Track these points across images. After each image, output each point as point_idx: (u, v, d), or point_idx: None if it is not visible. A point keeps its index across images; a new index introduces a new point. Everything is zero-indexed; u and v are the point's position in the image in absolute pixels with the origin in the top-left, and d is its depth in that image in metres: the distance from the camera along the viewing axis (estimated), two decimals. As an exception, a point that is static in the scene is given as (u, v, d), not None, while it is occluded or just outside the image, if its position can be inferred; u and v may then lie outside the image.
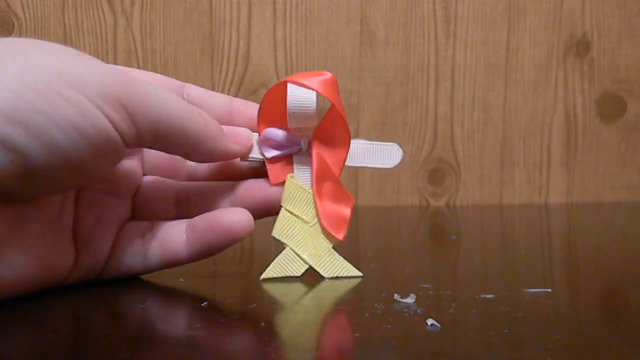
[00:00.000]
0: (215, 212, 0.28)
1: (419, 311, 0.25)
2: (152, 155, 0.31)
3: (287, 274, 0.30)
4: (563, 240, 0.46)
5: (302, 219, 0.29)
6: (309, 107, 0.28)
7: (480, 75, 0.61)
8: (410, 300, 0.26)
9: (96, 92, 0.23)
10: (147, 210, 0.30)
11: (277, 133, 0.29)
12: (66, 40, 0.60)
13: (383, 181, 0.62)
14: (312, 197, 0.29)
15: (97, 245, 0.28)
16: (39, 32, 0.60)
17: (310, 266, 0.30)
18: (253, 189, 0.29)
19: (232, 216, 0.27)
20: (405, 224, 0.54)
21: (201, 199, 0.30)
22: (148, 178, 0.31)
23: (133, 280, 0.30)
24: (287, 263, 0.29)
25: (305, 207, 0.29)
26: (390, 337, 0.22)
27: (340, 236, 0.29)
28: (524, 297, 0.27)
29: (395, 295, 0.27)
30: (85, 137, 0.23)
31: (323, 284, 0.30)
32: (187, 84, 0.30)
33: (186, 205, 0.30)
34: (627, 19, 0.61)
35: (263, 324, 0.24)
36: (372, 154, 0.30)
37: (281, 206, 0.30)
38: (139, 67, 0.61)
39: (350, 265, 0.30)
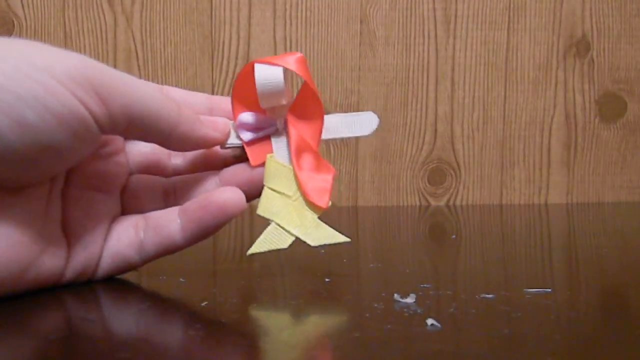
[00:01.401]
0: (207, 193, 0.28)
1: (419, 311, 0.25)
2: (137, 153, 0.31)
3: (274, 248, 0.29)
4: (563, 240, 0.46)
5: (285, 194, 0.29)
6: (277, 83, 0.28)
7: (480, 75, 0.61)
8: (410, 300, 0.26)
9: (65, 74, 0.23)
10: (136, 204, 0.30)
11: (252, 116, 0.29)
12: (66, 40, 0.60)
13: (383, 181, 0.62)
14: (292, 172, 0.29)
15: (89, 239, 0.28)
16: (39, 32, 0.60)
17: (296, 238, 0.29)
18: (236, 172, 0.30)
19: (224, 194, 0.28)
20: (405, 224, 0.54)
21: (188, 190, 0.30)
22: (135, 175, 0.31)
23: (133, 280, 0.30)
24: (274, 237, 0.29)
25: (287, 183, 0.29)
26: (390, 337, 0.22)
27: (323, 204, 0.29)
28: (524, 297, 0.27)
29: (395, 295, 0.27)
30: (55, 116, 0.23)
31: (323, 283, 0.30)
32: (165, 86, 0.31)
33: (174, 197, 0.31)
34: (627, 19, 0.61)
35: (263, 324, 0.24)
36: (347, 124, 0.30)
37: (264, 186, 0.30)
38: (138, 67, 0.61)
39: (336, 232, 0.29)
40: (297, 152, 0.29)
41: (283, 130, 0.30)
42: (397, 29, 0.60)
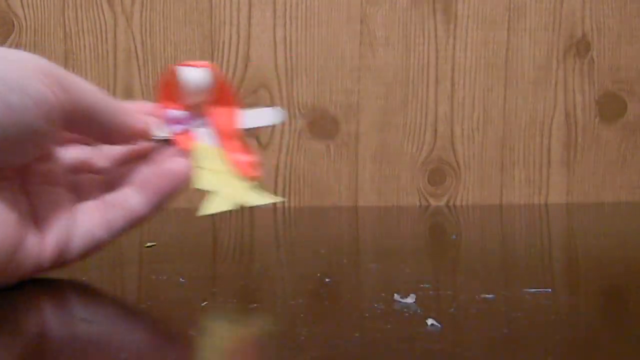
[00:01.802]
0: (158, 165, 0.31)
1: (419, 311, 0.25)
2: (68, 157, 0.33)
3: (220, 210, 0.32)
4: (563, 240, 0.46)
5: (217, 170, 0.33)
6: (202, 82, 0.32)
7: (480, 75, 0.61)
8: (410, 300, 0.26)
9: (34, 66, 0.27)
10: (81, 194, 0.32)
11: (177, 111, 0.33)
12: (66, 40, 0.60)
13: (383, 181, 0.62)
14: (219, 153, 0.34)
15: (57, 225, 0.30)
16: (39, 32, 0.60)
17: (236, 202, 0.32)
18: (165, 154, 0.33)
19: (175, 162, 0.31)
20: (405, 224, 0.54)
21: (125, 179, 0.33)
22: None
23: (133, 281, 0.30)
24: (215, 202, 0.32)
25: (216, 161, 0.33)
26: (390, 337, 0.22)
27: (254, 175, 0.33)
28: (524, 297, 0.27)
29: (395, 295, 0.27)
30: (33, 100, 0.26)
31: (323, 283, 0.30)
32: None
33: (112, 188, 0.33)
34: (627, 19, 0.61)
35: (263, 324, 0.24)
36: (258, 116, 0.35)
37: (196, 167, 0.33)
38: (139, 67, 0.61)
39: (270, 194, 0.33)
40: (222, 138, 0.34)
41: (206, 122, 0.34)
42: (397, 29, 0.60)
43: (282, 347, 0.21)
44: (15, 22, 0.60)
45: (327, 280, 0.31)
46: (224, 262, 0.37)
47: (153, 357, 0.21)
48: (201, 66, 0.32)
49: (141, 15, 0.60)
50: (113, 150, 0.34)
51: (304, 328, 0.24)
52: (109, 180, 0.33)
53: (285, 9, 0.60)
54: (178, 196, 0.31)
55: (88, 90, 0.29)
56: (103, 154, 0.34)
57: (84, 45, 0.60)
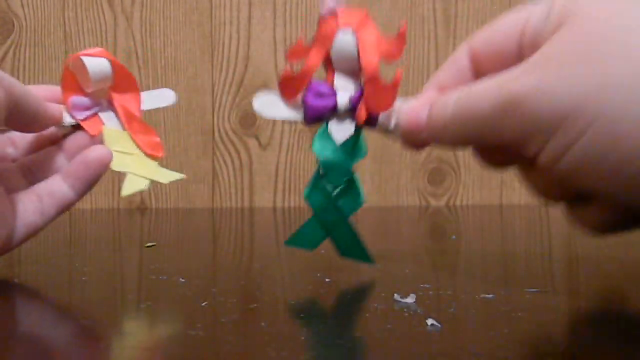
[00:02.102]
0: (81, 154, 0.34)
1: (419, 311, 0.25)
2: None
3: (138, 189, 0.35)
4: (563, 240, 0.46)
5: (127, 152, 0.36)
6: (105, 71, 0.34)
7: (480, 75, 0.61)
8: (410, 300, 0.26)
9: None
10: (7, 185, 0.33)
11: (81, 98, 0.35)
12: (66, 40, 0.60)
13: (383, 181, 0.62)
14: (127, 135, 0.36)
15: (2, 215, 0.31)
16: (39, 32, 0.60)
17: (149, 180, 0.35)
18: (78, 140, 0.35)
19: (96, 151, 0.34)
20: (405, 224, 0.54)
21: (41, 165, 0.35)
22: None
23: (133, 281, 0.30)
24: (133, 183, 0.35)
25: (125, 144, 0.36)
26: (390, 337, 0.22)
27: (159, 154, 0.36)
28: (524, 297, 0.27)
29: (395, 295, 0.27)
30: None
31: (323, 283, 0.30)
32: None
33: (30, 174, 0.35)
34: (627, 19, 0.61)
35: (263, 324, 0.24)
36: (154, 98, 0.37)
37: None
38: (139, 67, 0.61)
39: (176, 173, 0.36)
40: (127, 120, 0.36)
41: (108, 107, 0.36)
42: (397, 29, 0.60)
43: (282, 347, 0.21)
44: (15, 22, 0.60)
45: (327, 280, 0.31)
46: (224, 263, 0.37)
47: (153, 356, 0.21)
48: (98, 55, 0.34)
49: (141, 15, 0.60)
50: (23, 137, 0.36)
51: (303, 328, 0.24)
52: (24, 167, 0.35)
53: (285, 9, 0.60)
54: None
55: (16, 83, 0.30)
56: (11, 141, 0.36)
57: (84, 45, 0.60)
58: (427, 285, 0.29)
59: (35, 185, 0.34)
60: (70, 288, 0.30)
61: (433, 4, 0.60)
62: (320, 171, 0.30)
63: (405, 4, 0.60)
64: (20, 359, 0.20)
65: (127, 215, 0.56)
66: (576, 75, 0.23)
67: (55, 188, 0.33)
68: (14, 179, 0.34)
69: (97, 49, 0.35)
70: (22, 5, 0.60)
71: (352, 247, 0.31)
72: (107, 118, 0.36)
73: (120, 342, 0.23)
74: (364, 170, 0.61)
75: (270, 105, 0.31)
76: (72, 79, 0.35)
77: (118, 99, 0.36)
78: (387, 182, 0.62)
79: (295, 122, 0.34)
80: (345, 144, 0.31)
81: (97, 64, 0.34)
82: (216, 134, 0.62)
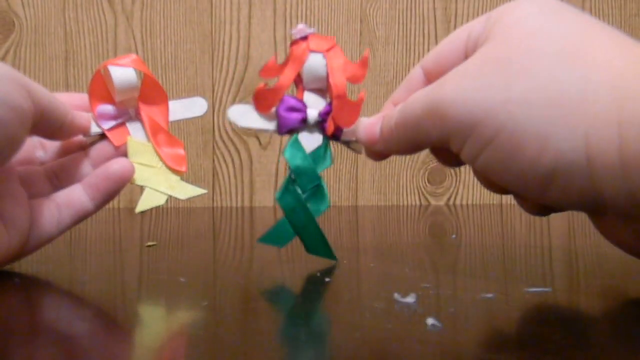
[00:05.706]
0: (103, 166, 0.34)
1: (419, 311, 0.25)
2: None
3: (155, 205, 0.35)
4: (563, 240, 0.46)
5: (150, 165, 0.36)
6: (131, 80, 0.34)
7: (480, 75, 0.61)
8: (410, 299, 0.26)
9: (9, 79, 0.28)
10: (31, 190, 0.34)
11: (109, 107, 0.35)
12: (66, 40, 0.60)
13: (383, 181, 0.62)
14: (151, 147, 0.36)
15: (21, 218, 0.32)
16: (39, 32, 0.60)
17: (168, 195, 0.35)
18: (103, 149, 0.35)
19: (118, 164, 0.34)
20: (406, 223, 0.54)
21: (67, 170, 0.35)
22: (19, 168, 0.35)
23: (133, 281, 0.30)
24: (151, 197, 0.35)
25: (149, 156, 0.36)
26: (390, 337, 0.22)
27: (182, 168, 0.36)
28: (524, 297, 0.27)
29: (395, 294, 0.27)
30: (14, 110, 0.28)
31: (323, 283, 0.30)
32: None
33: (56, 179, 0.35)
34: (627, 19, 0.61)
35: (263, 324, 0.24)
36: (184, 107, 0.37)
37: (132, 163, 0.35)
38: (139, 67, 0.61)
39: (197, 187, 0.36)
40: (152, 133, 0.36)
41: (136, 117, 0.36)
42: (397, 29, 0.60)
43: (282, 347, 0.21)
44: (15, 22, 0.60)
45: (327, 280, 0.31)
46: (224, 262, 0.37)
47: (153, 356, 0.21)
48: (130, 64, 0.34)
49: (141, 15, 0.60)
50: (53, 141, 0.36)
51: (303, 328, 0.24)
52: (50, 172, 0.35)
53: (285, 9, 0.60)
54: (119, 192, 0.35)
55: (44, 94, 0.30)
56: (41, 144, 0.36)
57: (84, 45, 0.60)
58: (427, 285, 0.29)
59: (56, 194, 0.34)
60: (70, 288, 0.30)
61: (433, 3, 0.60)
62: (292, 176, 0.33)
63: (405, 3, 0.60)
64: (19, 359, 0.20)
65: (127, 215, 0.56)
66: (485, 89, 0.26)
67: (75, 198, 0.33)
68: (39, 183, 0.34)
69: (129, 58, 0.35)
70: (23, 5, 0.60)
71: (318, 245, 0.34)
72: (134, 129, 0.36)
73: (120, 341, 0.23)
74: (364, 171, 0.61)
75: (244, 116, 0.34)
76: (103, 86, 0.35)
77: (145, 109, 0.36)
78: (388, 181, 0.62)
79: (267, 132, 0.34)
80: (314, 153, 0.34)
81: (122, 73, 0.34)
82: (216, 134, 0.62)
